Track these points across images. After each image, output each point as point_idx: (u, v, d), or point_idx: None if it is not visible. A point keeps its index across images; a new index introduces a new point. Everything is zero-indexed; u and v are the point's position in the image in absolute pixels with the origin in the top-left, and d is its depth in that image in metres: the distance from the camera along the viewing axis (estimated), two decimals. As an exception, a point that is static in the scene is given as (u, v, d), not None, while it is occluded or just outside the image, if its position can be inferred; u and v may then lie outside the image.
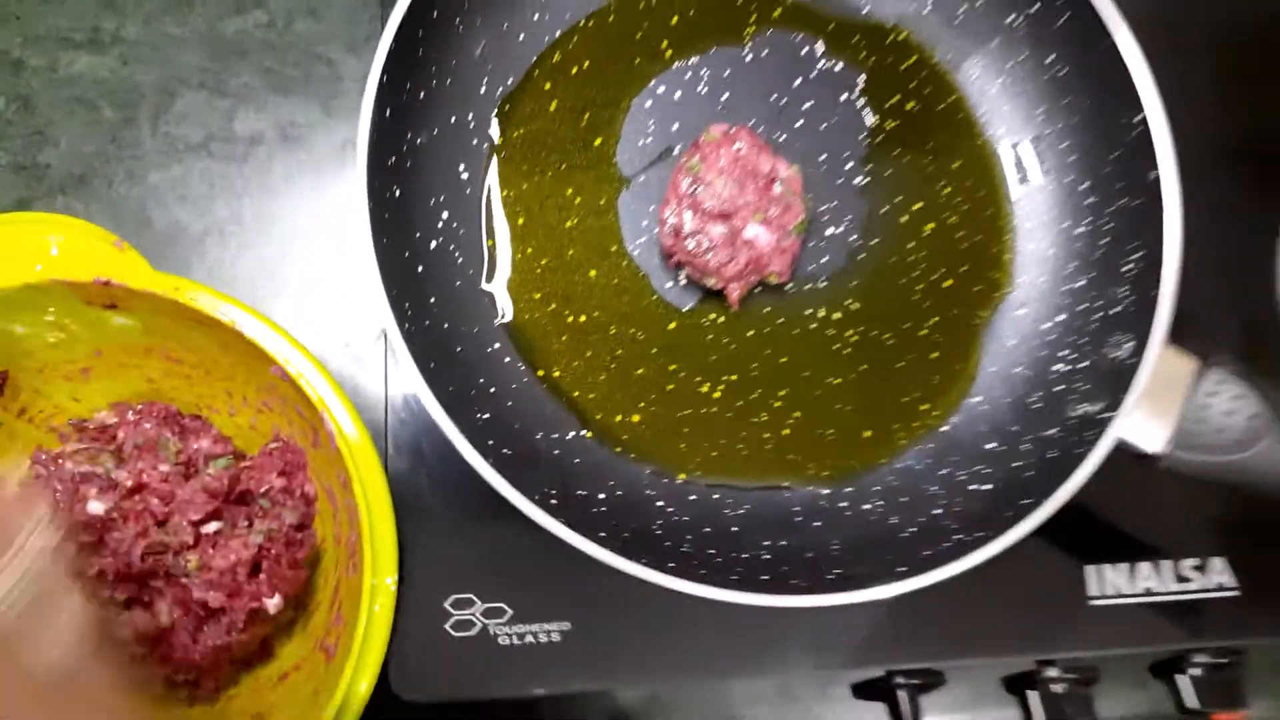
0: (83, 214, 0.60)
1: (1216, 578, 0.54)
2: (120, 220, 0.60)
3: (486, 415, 0.47)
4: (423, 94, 0.50)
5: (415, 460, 0.53)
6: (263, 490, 0.51)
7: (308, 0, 0.63)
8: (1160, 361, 0.46)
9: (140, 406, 0.52)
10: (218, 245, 0.60)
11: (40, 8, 0.62)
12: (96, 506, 0.49)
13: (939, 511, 0.49)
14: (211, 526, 0.49)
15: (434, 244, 0.51)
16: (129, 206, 0.60)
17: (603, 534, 0.44)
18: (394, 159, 0.48)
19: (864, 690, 0.55)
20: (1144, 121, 0.49)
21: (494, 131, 0.54)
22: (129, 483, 0.49)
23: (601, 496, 0.48)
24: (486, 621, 0.51)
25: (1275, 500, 0.45)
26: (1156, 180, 0.48)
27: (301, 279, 0.59)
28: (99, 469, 0.49)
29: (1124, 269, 0.50)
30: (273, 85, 0.62)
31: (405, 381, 0.53)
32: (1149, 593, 0.54)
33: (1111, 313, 0.50)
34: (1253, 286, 0.59)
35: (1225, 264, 0.58)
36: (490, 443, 0.45)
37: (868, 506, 0.50)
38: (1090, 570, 0.54)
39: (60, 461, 0.50)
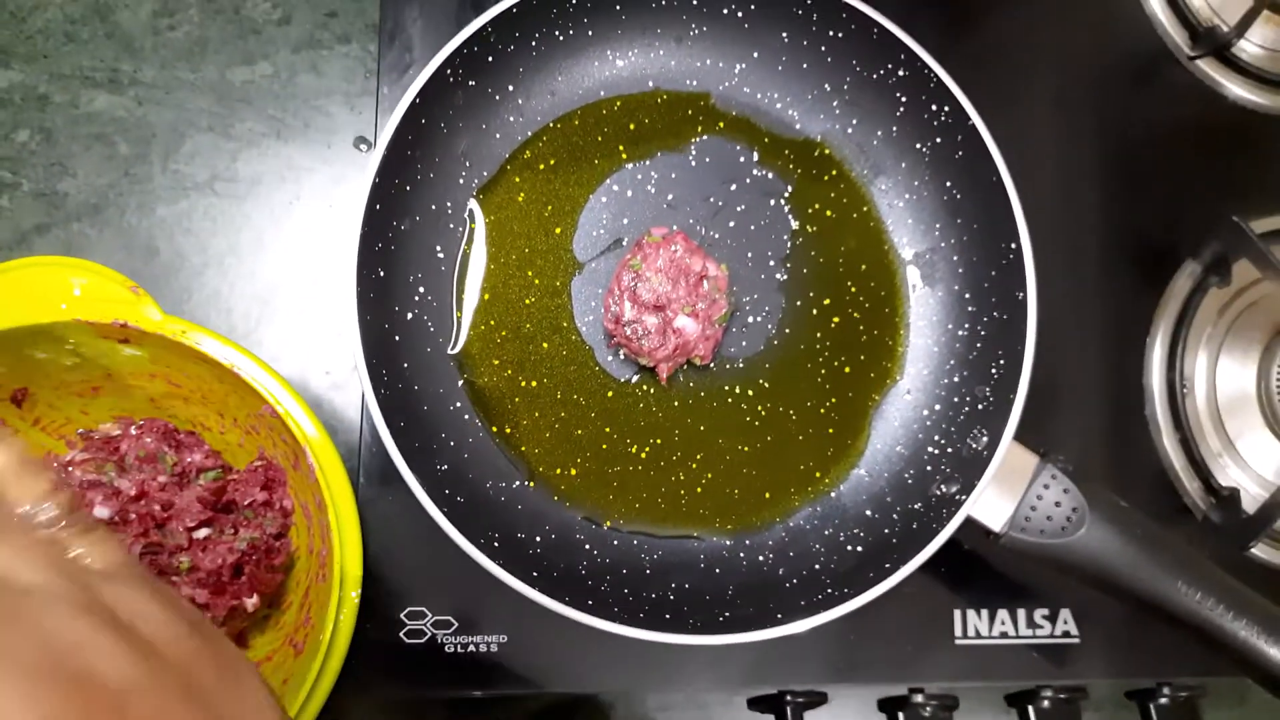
0: (96, 240, 0.65)
1: (1063, 626, 0.63)
2: (130, 248, 0.65)
3: (445, 466, 0.55)
4: (409, 187, 0.57)
5: (382, 487, 0.60)
6: (246, 502, 0.57)
7: (310, 57, 0.69)
8: (1008, 454, 0.55)
9: (142, 422, 0.58)
10: (217, 276, 0.65)
11: (66, 48, 0.68)
12: (103, 511, 0.55)
13: (818, 567, 0.57)
14: (202, 532, 0.55)
15: (410, 315, 0.58)
16: (138, 236, 0.66)
17: (535, 573, 0.52)
18: (380, 245, 0.56)
19: (758, 703, 0.63)
20: (1019, 250, 0.57)
21: (468, 218, 0.62)
22: (132, 490, 0.55)
23: (538, 539, 0.56)
24: (436, 631, 0.59)
25: (1089, 580, 0.54)
26: (1023, 301, 0.57)
27: (290, 309, 0.65)
28: (103, 477, 0.55)
29: (991, 371, 0.58)
30: (274, 132, 0.68)
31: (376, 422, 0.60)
32: (1005, 635, 0.62)
33: (978, 408, 0.58)
34: (1117, 386, 0.67)
35: (1093, 364, 0.67)
36: (446, 492, 0.53)
37: (761, 558, 0.58)
38: (957, 613, 0.62)
39: (69, 469, 0.56)
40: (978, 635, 0.63)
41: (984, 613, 0.63)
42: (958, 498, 0.55)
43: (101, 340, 0.53)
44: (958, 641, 0.62)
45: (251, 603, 0.55)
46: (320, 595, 0.54)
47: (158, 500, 0.56)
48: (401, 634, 0.59)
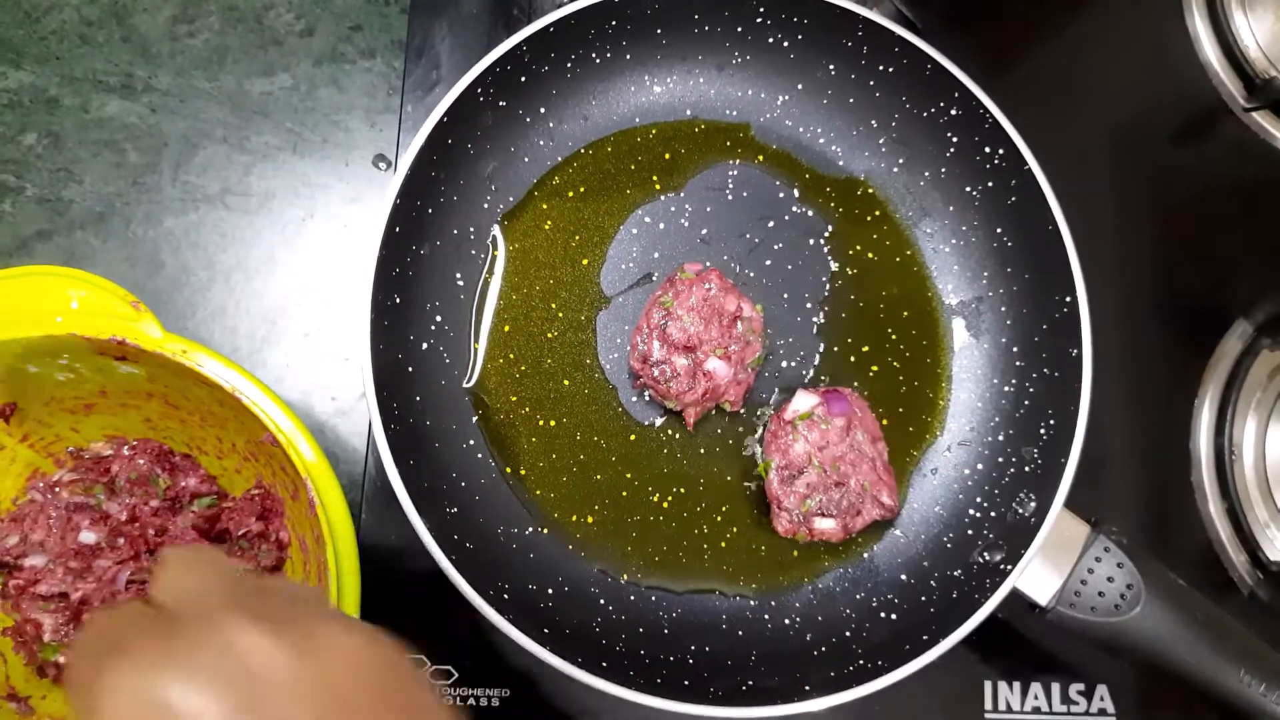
0: (99, 250, 0.63)
1: (1099, 703, 0.59)
2: (134, 261, 0.63)
3: (454, 510, 0.52)
4: (431, 210, 0.55)
5: (385, 521, 0.57)
6: (241, 532, 0.54)
7: (332, 71, 0.67)
8: (1058, 523, 0.51)
9: (135, 443, 0.55)
10: (223, 292, 0.63)
11: (79, 50, 0.66)
12: (89, 536, 0.53)
13: (849, 634, 0.54)
14: None
15: (425, 345, 0.55)
16: (144, 248, 0.63)
17: (546, 629, 0.49)
18: (398, 270, 0.53)
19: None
20: (1074, 303, 0.54)
21: (491, 245, 0.59)
22: (122, 515, 0.53)
23: (550, 591, 0.53)
24: (434, 682, 0.55)
25: (1141, 663, 0.50)
26: (1078, 358, 0.54)
27: (297, 331, 0.62)
28: (91, 500, 0.53)
29: (1040, 432, 0.55)
30: (291, 146, 0.65)
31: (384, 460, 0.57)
32: (1038, 711, 0.59)
33: (1024, 470, 0.55)
34: (1162, 450, 0.64)
35: (1139, 426, 0.64)
36: (455, 537, 0.50)
37: (787, 621, 0.55)
38: (988, 685, 0.59)
39: (57, 490, 0.53)
40: (1009, 709, 0.59)
41: (1016, 685, 0.59)
42: (1003, 567, 0.52)
43: (97, 356, 0.51)
44: (988, 716, 0.59)
45: None
46: None
47: (150, 525, 0.53)
48: (398, 685, 0.55)
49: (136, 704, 0.27)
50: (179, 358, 0.49)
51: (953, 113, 0.57)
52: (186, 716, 0.27)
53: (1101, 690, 0.59)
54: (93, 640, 0.31)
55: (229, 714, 0.27)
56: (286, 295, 0.63)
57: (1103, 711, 0.59)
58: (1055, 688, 0.59)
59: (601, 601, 0.54)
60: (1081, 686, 0.59)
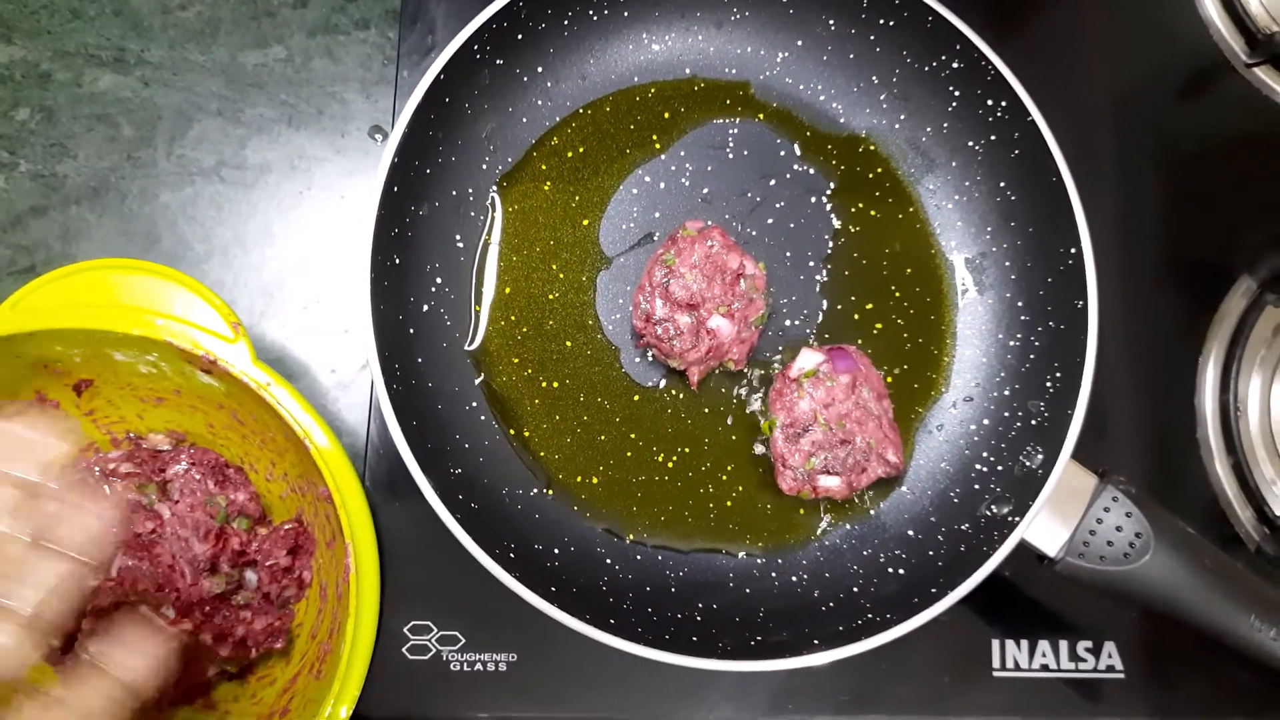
0: (95, 226, 0.62)
1: (1106, 660, 0.59)
2: (130, 236, 0.62)
3: (459, 471, 0.52)
4: (429, 170, 0.54)
5: (388, 490, 0.57)
6: (269, 562, 0.54)
7: (326, 42, 0.66)
8: (1065, 474, 0.51)
9: (192, 449, 0.55)
10: (220, 266, 0.62)
11: (71, 24, 0.65)
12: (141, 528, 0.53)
13: (856, 590, 0.54)
14: (209, 582, 0.53)
15: (426, 307, 0.55)
16: (139, 223, 0.62)
17: (553, 588, 0.48)
18: (396, 230, 0.52)
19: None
20: (1079, 254, 0.54)
21: (490, 206, 0.58)
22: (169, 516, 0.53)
23: (556, 551, 0.53)
24: (441, 648, 0.55)
25: (1150, 611, 0.50)
26: (1083, 310, 0.53)
27: (295, 303, 0.62)
28: (144, 499, 0.53)
29: (1046, 385, 0.55)
30: (286, 118, 0.65)
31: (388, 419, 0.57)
32: (1046, 669, 0.58)
33: (1031, 424, 0.54)
34: (1167, 407, 0.63)
35: (1144, 383, 0.63)
36: (460, 497, 0.49)
37: (794, 578, 0.55)
38: (995, 643, 0.58)
39: (111, 474, 0.53)
40: (1017, 667, 0.59)
41: (1024, 643, 0.59)
42: (1010, 519, 0.51)
43: (185, 363, 0.51)
44: (995, 674, 0.58)
45: (212, 670, 0.52)
46: (309, 691, 0.50)
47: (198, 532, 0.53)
48: (404, 649, 0.55)
49: None
50: (260, 390, 0.49)
51: (954, 66, 0.57)
52: None
53: (1109, 647, 0.59)
54: None
55: None
56: (284, 268, 0.62)
57: (1111, 668, 0.59)
58: (1063, 645, 0.59)
59: (608, 561, 0.54)
60: (1089, 644, 0.59)
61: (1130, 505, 0.50)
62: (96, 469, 0.53)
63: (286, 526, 0.54)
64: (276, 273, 0.62)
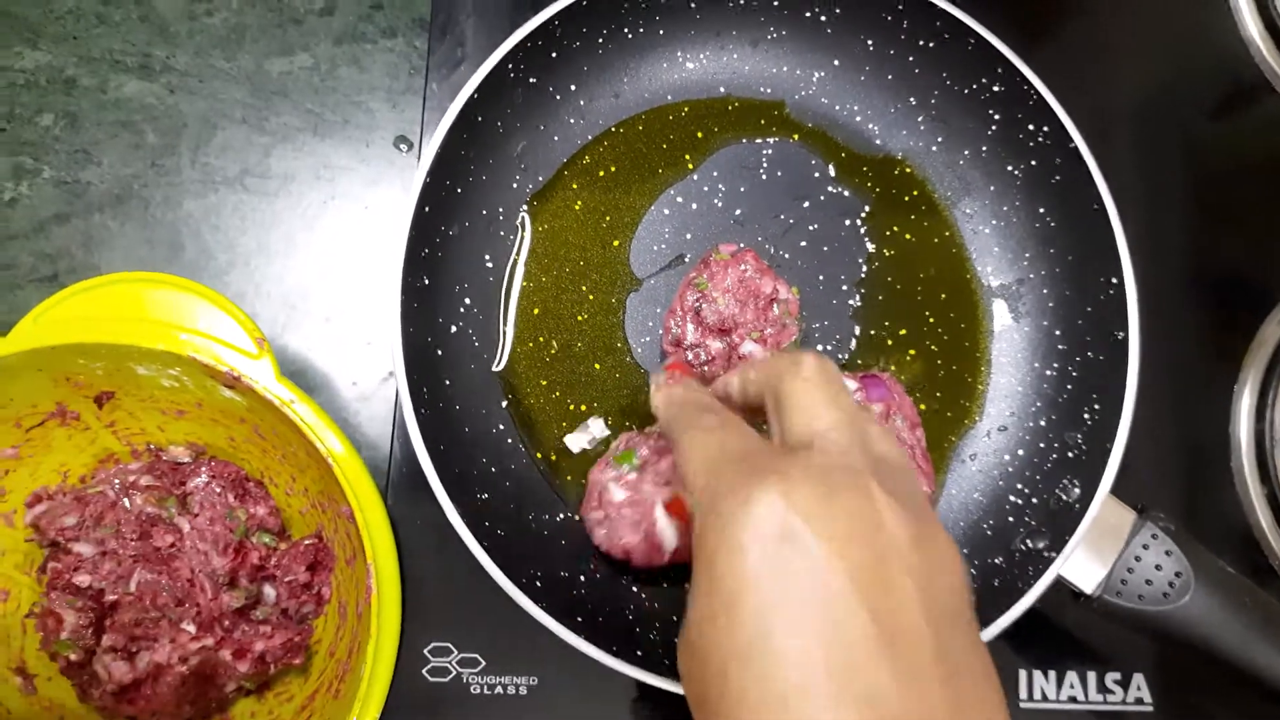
0: (117, 233, 0.61)
1: (1135, 692, 0.58)
2: (153, 244, 0.61)
3: (485, 496, 0.51)
4: (460, 190, 0.53)
5: (410, 505, 0.56)
6: (287, 578, 0.53)
7: (353, 50, 0.65)
8: (1103, 509, 0.50)
9: (213, 462, 0.55)
10: (242, 276, 0.61)
11: (96, 29, 0.64)
12: (160, 541, 0.53)
13: (888, 623, 0.53)
14: (229, 596, 0.52)
15: (454, 328, 0.54)
16: (162, 231, 0.62)
17: (579, 617, 0.47)
18: (427, 251, 0.51)
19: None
20: (1120, 285, 0.53)
21: (520, 226, 0.57)
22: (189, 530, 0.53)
23: (582, 579, 0.52)
24: (461, 670, 0.54)
25: (1188, 649, 0.49)
26: (1124, 341, 0.52)
27: (318, 315, 0.61)
28: (164, 512, 0.53)
29: (1084, 417, 0.54)
30: (311, 127, 0.64)
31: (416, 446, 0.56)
32: (1074, 700, 0.57)
33: (1068, 456, 0.53)
34: (1201, 435, 0.62)
35: (1177, 410, 0.62)
36: (486, 524, 0.48)
37: (824, 610, 0.54)
38: (1023, 674, 0.57)
39: (133, 493, 0.53)
40: (1044, 698, 0.58)
41: (1051, 674, 0.58)
42: (1046, 554, 0.50)
43: (208, 378, 0.51)
44: (1022, 705, 0.57)
45: (230, 687, 0.51)
46: (327, 710, 0.49)
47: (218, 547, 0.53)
48: (424, 670, 0.54)
49: (775, 525, 0.30)
50: (283, 407, 0.49)
51: (995, 89, 0.56)
52: (818, 541, 0.29)
53: (1138, 679, 0.58)
54: (715, 454, 0.35)
55: (855, 551, 0.29)
56: (307, 279, 0.62)
57: (1140, 701, 0.58)
58: (1091, 677, 0.58)
59: (634, 589, 0.53)
60: (1118, 676, 0.58)
61: (1169, 543, 0.49)
62: (116, 481, 0.53)
63: (306, 542, 0.54)
64: (299, 283, 0.62)
